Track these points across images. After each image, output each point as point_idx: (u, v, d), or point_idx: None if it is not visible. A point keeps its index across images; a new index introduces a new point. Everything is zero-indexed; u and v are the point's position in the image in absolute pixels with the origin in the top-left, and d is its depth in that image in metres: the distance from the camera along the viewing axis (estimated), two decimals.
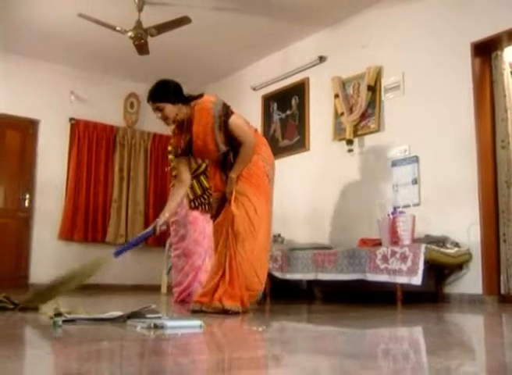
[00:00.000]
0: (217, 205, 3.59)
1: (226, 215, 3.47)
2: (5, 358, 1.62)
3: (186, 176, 3.67)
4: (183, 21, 5.67)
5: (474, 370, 1.53)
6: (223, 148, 3.47)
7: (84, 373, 1.39)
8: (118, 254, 3.38)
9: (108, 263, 3.43)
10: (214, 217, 3.63)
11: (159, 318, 2.53)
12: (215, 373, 1.50)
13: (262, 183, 3.56)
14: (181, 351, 1.92)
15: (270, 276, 5.23)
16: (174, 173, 4.29)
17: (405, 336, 2.63)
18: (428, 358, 1.79)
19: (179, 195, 3.65)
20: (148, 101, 3.50)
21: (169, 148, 4.84)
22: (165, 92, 3.47)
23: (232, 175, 3.47)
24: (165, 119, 3.48)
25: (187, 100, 3.51)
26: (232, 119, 3.46)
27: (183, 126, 3.57)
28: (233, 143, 3.51)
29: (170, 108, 3.44)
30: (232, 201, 3.44)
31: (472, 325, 3.33)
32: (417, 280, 4.31)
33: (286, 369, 1.58)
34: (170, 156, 4.73)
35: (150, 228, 3.52)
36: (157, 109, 3.46)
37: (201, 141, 3.45)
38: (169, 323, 2.36)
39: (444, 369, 1.51)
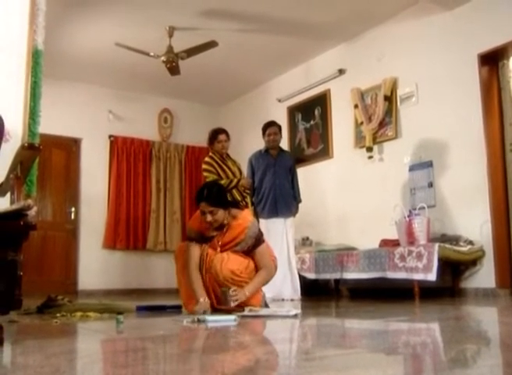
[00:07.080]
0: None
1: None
2: (90, 342, 2.15)
3: (197, 256, 3.64)
4: (210, 45, 6.17)
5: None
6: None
7: (149, 349, 1.89)
8: (140, 309, 3.64)
9: (128, 311, 3.54)
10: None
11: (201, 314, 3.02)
12: (249, 346, 2.00)
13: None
14: (221, 335, 2.40)
15: (301, 277, 5.72)
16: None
17: (420, 327, 3.05)
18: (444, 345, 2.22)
19: (198, 276, 3.59)
20: (201, 202, 3.57)
21: (205, 166, 5.29)
22: (222, 198, 3.63)
23: (247, 293, 3.48)
24: (214, 221, 3.57)
25: (230, 206, 3.71)
26: (262, 248, 3.64)
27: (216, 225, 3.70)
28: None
29: (222, 213, 3.57)
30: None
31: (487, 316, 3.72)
32: (432, 276, 4.74)
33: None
34: (206, 173, 5.20)
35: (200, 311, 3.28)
36: (210, 212, 3.54)
37: (223, 244, 3.63)
38: (209, 318, 2.85)
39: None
